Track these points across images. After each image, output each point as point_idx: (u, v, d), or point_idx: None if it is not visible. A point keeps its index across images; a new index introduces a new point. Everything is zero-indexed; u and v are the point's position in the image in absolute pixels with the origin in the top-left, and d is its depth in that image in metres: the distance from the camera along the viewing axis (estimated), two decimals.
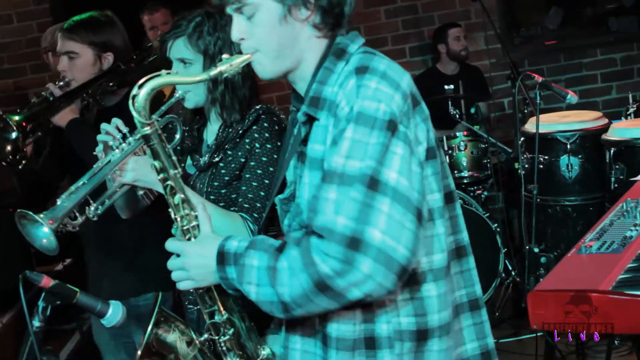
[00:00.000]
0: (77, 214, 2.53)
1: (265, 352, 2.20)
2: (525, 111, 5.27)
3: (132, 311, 2.74)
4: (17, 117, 3.08)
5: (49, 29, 4.77)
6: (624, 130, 4.26)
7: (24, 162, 3.12)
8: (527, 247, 4.26)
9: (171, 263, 2.02)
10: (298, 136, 2.02)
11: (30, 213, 2.46)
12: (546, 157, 4.56)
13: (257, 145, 2.57)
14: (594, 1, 7.72)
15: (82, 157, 3.04)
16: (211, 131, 2.72)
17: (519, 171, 4.55)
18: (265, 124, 2.59)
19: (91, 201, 2.55)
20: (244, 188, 2.56)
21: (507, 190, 6.05)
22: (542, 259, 4.21)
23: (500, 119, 6.96)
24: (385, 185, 1.72)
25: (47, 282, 2.19)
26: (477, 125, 5.76)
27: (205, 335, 2.24)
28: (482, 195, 5.91)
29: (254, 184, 2.54)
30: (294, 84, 2.01)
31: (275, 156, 2.55)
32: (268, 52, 1.92)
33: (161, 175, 2.02)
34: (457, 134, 5.69)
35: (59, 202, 2.48)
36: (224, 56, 1.97)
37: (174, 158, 2.04)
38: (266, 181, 2.54)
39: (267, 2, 1.88)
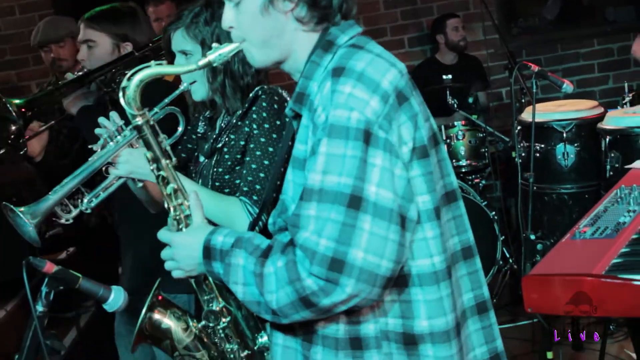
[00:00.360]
0: (72, 207, 2.53)
1: (263, 339, 2.23)
2: (523, 100, 5.27)
3: None
4: (17, 101, 3.06)
5: (36, 26, 4.78)
6: (619, 118, 4.26)
7: (25, 149, 3.11)
8: (524, 235, 4.27)
9: (164, 253, 2.01)
10: (290, 131, 2.02)
11: (11, 207, 2.47)
12: (542, 146, 4.57)
13: (254, 126, 2.52)
14: None
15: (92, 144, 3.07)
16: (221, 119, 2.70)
17: (516, 160, 4.55)
18: (264, 104, 2.53)
19: (86, 193, 2.55)
20: (244, 171, 2.52)
21: (505, 178, 6.09)
22: (539, 246, 4.21)
23: (498, 108, 6.97)
24: (366, 202, 1.67)
25: (50, 267, 2.20)
26: (476, 114, 5.78)
27: (203, 322, 2.25)
28: (480, 184, 5.92)
29: (253, 166, 2.50)
30: (292, 76, 1.97)
31: (274, 135, 2.50)
32: (253, 41, 1.89)
33: (153, 166, 2.02)
34: (456, 123, 5.71)
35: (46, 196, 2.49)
36: (214, 45, 1.94)
37: (168, 148, 2.02)
38: (265, 162, 2.49)
39: None
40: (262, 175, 2.48)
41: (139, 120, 1.96)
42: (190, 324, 2.29)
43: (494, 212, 5.40)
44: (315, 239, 1.68)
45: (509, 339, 4.68)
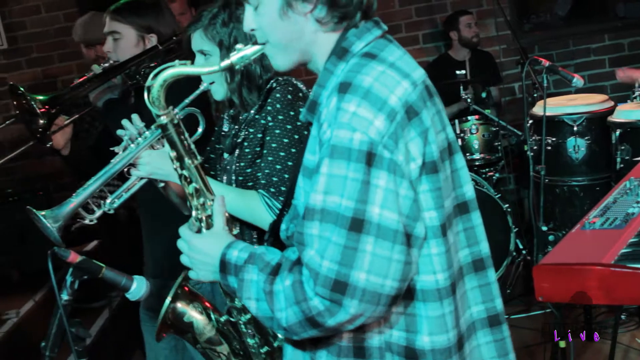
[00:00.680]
0: (95, 207, 2.56)
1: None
2: (535, 95, 5.26)
3: None
4: (41, 97, 3.06)
5: (76, 22, 4.86)
6: (629, 112, 4.31)
7: (50, 142, 3.10)
8: (536, 226, 4.28)
9: (180, 245, 2.00)
10: (306, 136, 1.96)
11: (34, 211, 2.49)
12: (554, 139, 4.60)
13: (269, 118, 2.52)
14: None
15: (117, 138, 3.12)
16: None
17: (528, 153, 4.54)
18: (277, 95, 2.52)
19: (108, 194, 2.57)
20: (262, 164, 2.51)
21: (518, 172, 6.09)
22: (550, 237, 4.18)
23: (510, 102, 6.99)
24: (369, 223, 1.64)
25: (74, 257, 2.21)
26: (488, 109, 5.81)
27: (226, 317, 2.29)
28: (494, 177, 5.92)
29: (270, 158, 2.49)
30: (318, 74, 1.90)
31: (289, 127, 2.49)
32: (275, 44, 1.85)
33: (176, 164, 2.00)
34: (469, 117, 5.72)
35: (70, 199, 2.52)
36: (238, 46, 1.91)
37: (193, 147, 2.00)
38: (282, 154, 2.48)
39: None
40: (278, 167, 2.48)
41: (163, 119, 1.95)
42: (213, 318, 2.33)
43: (507, 205, 5.39)
44: (318, 260, 1.66)
45: (523, 329, 4.70)
